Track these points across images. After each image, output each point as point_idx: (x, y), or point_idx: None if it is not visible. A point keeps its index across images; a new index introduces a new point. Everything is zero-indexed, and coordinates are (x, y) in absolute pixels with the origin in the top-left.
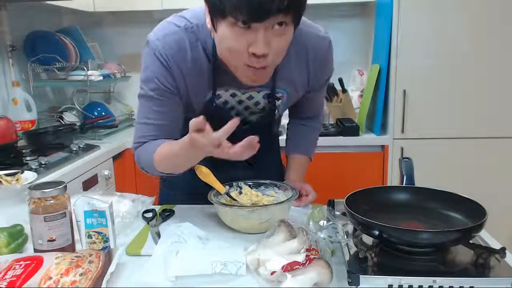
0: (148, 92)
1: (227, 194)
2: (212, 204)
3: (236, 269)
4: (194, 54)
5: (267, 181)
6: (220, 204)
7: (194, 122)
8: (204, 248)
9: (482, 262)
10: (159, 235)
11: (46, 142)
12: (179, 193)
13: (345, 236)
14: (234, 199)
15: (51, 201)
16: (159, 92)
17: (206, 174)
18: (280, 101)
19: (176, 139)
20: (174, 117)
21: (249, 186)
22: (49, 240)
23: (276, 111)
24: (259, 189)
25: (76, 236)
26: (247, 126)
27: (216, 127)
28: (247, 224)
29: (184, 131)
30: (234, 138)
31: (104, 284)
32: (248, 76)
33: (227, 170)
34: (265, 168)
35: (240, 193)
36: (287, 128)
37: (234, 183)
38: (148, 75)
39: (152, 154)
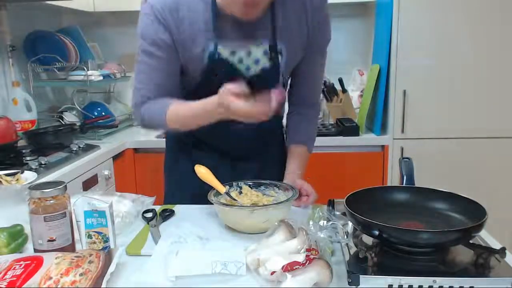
0: (146, 47)
1: (227, 194)
2: (212, 204)
3: (236, 269)
4: (191, 2)
5: (267, 181)
6: (220, 204)
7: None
8: (204, 248)
9: (482, 262)
10: (159, 235)
11: (46, 142)
12: (188, 193)
13: (345, 236)
14: (234, 199)
15: (51, 201)
16: (157, 47)
17: (205, 174)
18: (280, 57)
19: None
20: (172, 74)
21: (249, 186)
22: (49, 240)
23: (280, 74)
24: (259, 189)
25: (76, 236)
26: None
27: (216, 88)
28: (248, 224)
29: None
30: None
31: (104, 284)
32: (241, 10)
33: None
34: (270, 162)
35: (240, 193)
36: (286, 119)
37: (234, 183)
38: (143, 29)
39: (163, 111)
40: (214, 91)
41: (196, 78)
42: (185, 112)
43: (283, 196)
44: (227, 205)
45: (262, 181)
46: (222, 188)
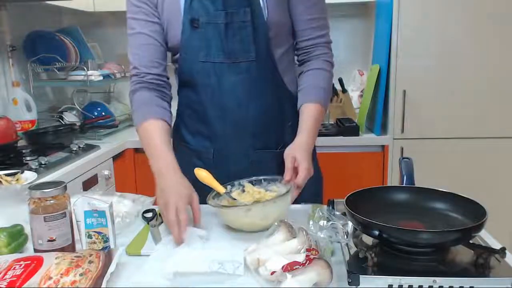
0: (133, 15)
1: (227, 194)
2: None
3: (233, 269)
4: None
5: (269, 177)
6: (216, 206)
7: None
8: (203, 248)
9: (482, 262)
10: (159, 235)
11: (46, 142)
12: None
13: (345, 236)
14: (234, 199)
15: (51, 201)
16: (142, 15)
17: (205, 177)
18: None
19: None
20: (156, 34)
21: (251, 183)
22: (49, 240)
23: (264, 14)
24: (261, 185)
25: (76, 236)
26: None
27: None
28: (246, 222)
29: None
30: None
31: (104, 284)
32: None
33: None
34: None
35: (243, 191)
36: (298, 80)
37: (235, 182)
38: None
39: (139, 120)
40: (198, 51)
41: (177, 36)
42: (145, 140)
43: (284, 190)
44: (223, 206)
45: (264, 177)
46: (221, 189)
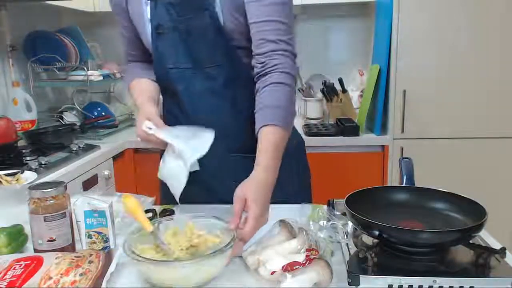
0: (115, 15)
1: (153, 233)
2: (212, 204)
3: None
4: None
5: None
6: (133, 259)
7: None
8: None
9: (482, 262)
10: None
11: (46, 142)
12: (199, 187)
13: (345, 236)
14: (163, 243)
15: (51, 201)
16: (118, 12)
17: (130, 208)
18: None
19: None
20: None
21: (194, 219)
22: (49, 240)
23: (221, 21)
24: (206, 223)
25: (76, 236)
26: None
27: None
28: (176, 277)
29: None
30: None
31: (104, 284)
32: None
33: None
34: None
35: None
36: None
37: (169, 219)
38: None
39: (129, 79)
40: (167, 57)
41: (148, 42)
42: (133, 91)
43: (228, 238)
44: (144, 259)
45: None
46: (149, 227)
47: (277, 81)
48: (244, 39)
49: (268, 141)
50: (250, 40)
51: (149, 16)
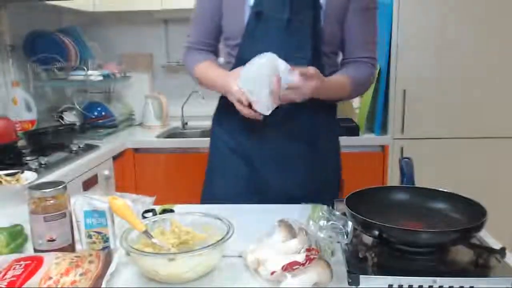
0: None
1: (146, 233)
2: (213, 204)
3: None
4: None
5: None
6: (129, 251)
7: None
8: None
9: (482, 262)
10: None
11: (46, 142)
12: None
13: (345, 236)
14: (154, 240)
15: (51, 201)
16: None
17: (118, 209)
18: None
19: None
20: (214, 17)
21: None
22: (49, 240)
23: (321, 21)
24: (193, 221)
25: (76, 236)
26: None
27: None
28: (166, 274)
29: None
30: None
31: (104, 284)
32: None
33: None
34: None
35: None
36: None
37: (158, 218)
38: None
39: (193, 66)
40: (258, 42)
41: (240, 24)
42: (206, 74)
43: (219, 234)
44: (137, 251)
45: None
46: (140, 227)
47: (364, 63)
48: (333, 43)
49: (340, 78)
50: (336, 52)
51: (251, 3)
